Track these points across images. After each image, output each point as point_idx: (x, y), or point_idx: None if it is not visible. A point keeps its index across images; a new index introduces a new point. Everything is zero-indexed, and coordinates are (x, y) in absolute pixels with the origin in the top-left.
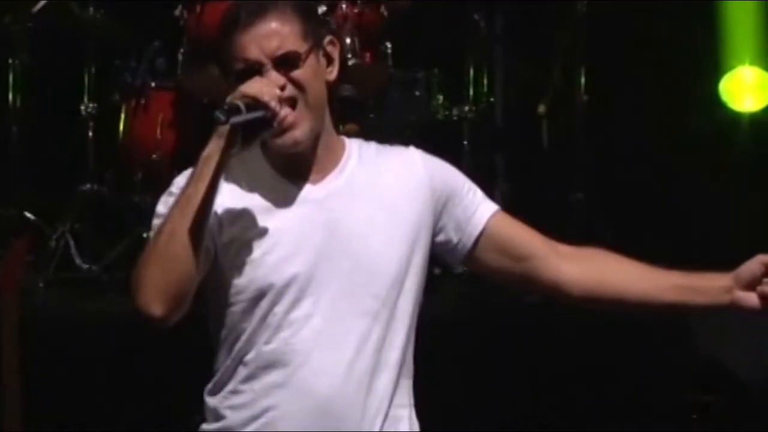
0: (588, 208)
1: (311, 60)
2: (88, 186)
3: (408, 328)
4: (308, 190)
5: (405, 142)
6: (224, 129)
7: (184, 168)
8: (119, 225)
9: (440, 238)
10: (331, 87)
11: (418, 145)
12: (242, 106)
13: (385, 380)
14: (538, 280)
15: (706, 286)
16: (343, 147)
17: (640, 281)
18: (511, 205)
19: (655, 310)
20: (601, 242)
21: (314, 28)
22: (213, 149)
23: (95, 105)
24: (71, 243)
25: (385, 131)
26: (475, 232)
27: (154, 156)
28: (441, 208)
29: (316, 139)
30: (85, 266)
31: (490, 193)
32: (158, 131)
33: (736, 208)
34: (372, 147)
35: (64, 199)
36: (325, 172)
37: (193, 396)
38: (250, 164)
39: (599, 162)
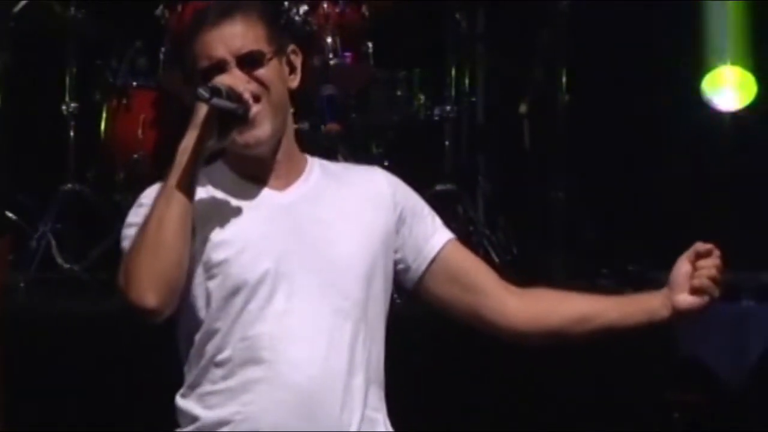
0: (569, 208)
1: (275, 63)
2: (70, 186)
3: (376, 331)
4: (273, 196)
5: (387, 142)
6: (199, 118)
7: (165, 167)
8: (101, 225)
9: (397, 255)
10: (293, 95)
11: (400, 145)
12: (223, 90)
13: (359, 379)
14: (484, 312)
15: (647, 304)
16: (305, 159)
17: (582, 304)
18: (492, 204)
19: (599, 332)
20: (583, 241)
21: (278, 35)
22: (189, 140)
23: (77, 105)
24: (53, 242)
25: (367, 131)
26: (431, 255)
27: (135, 156)
28: (401, 225)
29: (277, 144)
30: (67, 266)
31: (471, 193)
32: (140, 131)
33: (718, 206)
34: (334, 163)
35: (45, 198)
36: (288, 180)
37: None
38: (213, 174)
39: (581, 161)
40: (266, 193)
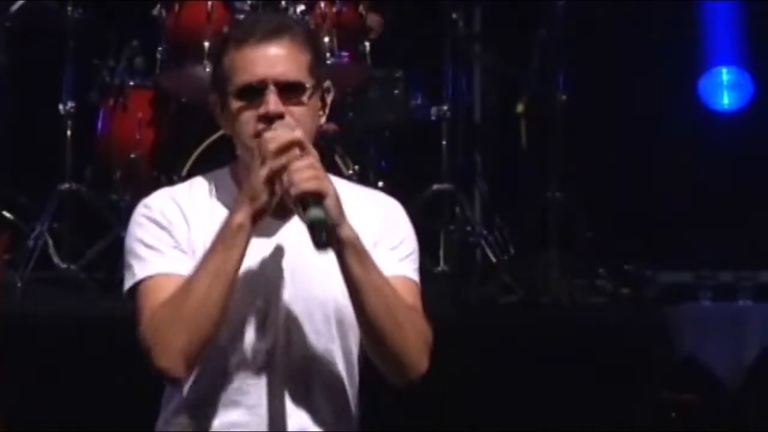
0: (566, 208)
1: (315, 97)
2: (67, 185)
3: (355, 363)
4: (272, 225)
5: (384, 141)
6: (262, 202)
7: (163, 167)
8: (98, 224)
9: None
10: (318, 131)
11: (397, 144)
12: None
13: (344, 413)
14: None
15: None
16: None
17: None
18: (489, 204)
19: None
20: (580, 241)
21: (320, 66)
22: (245, 218)
23: (74, 104)
24: (49, 242)
25: (364, 130)
26: None
27: (132, 155)
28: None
29: None
30: (64, 265)
31: (468, 192)
32: (137, 130)
33: (714, 205)
34: (342, 187)
35: (42, 198)
36: (289, 208)
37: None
38: (219, 187)
39: (577, 161)
40: (267, 222)
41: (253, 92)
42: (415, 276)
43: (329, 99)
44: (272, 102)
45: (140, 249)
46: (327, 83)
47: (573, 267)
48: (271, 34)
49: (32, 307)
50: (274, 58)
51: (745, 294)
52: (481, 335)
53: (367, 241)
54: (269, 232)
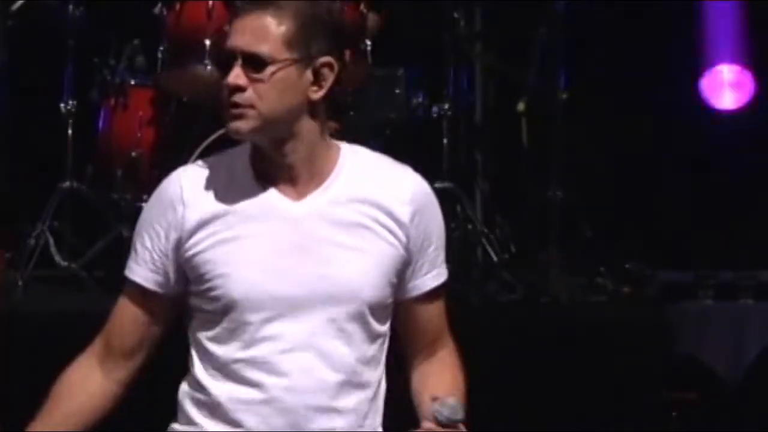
0: (567, 206)
1: (287, 72)
2: (68, 183)
3: (379, 345)
4: (287, 206)
5: (385, 140)
6: None
7: (163, 166)
8: (99, 222)
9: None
10: (314, 103)
11: (398, 143)
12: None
13: (353, 401)
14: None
15: None
16: (333, 163)
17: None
18: (490, 202)
19: None
20: (581, 240)
21: (309, 41)
22: None
23: (75, 102)
24: (50, 240)
25: (365, 129)
26: (407, 295)
27: (133, 153)
28: (407, 254)
29: (281, 146)
30: (65, 264)
31: (469, 191)
32: (138, 129)
33: (716, 205)
34: (369, 162)
35: (43, 196)
36: (306, 189)
37: (172, 396)
38: (236, 163)
39: (579, 160)
40: (278, 202)
41: (227, 62)
42: (446, 272)
43: (330, 75)
44: (232, 74)
45: (132, 244)
46: (325, 58)
47: (573, 266)
48: (257, 4)
49: (33, 306)
50: (247, 29)
51: (745, 293)
52: (481, 334)
53: (377, 215)
54: (287, 213)
